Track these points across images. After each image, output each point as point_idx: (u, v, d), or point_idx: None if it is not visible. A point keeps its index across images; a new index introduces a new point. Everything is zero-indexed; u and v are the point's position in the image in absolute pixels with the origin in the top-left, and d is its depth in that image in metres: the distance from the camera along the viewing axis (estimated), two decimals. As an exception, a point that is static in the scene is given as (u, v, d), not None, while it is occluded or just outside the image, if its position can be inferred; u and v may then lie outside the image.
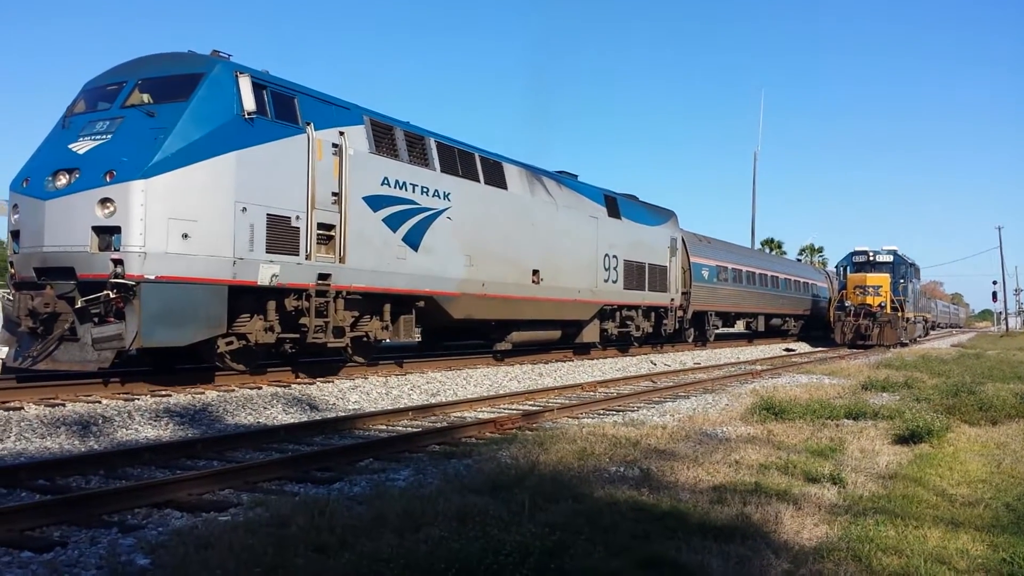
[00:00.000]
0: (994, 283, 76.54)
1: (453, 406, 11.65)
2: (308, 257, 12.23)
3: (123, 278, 10.04)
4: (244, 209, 11.22)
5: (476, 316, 16.50)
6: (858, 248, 37.08)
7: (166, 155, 10.41)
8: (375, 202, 13.63)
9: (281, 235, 11.83)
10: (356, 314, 13.61)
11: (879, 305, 34.14)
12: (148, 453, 7.66)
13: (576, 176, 21.64)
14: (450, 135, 16.47)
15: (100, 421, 9.13)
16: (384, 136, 14.10)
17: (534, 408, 11.71)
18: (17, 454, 7.77)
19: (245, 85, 11.27)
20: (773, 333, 38.39)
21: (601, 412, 11.69)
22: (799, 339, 39.98)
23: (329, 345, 12.96)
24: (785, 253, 69.00)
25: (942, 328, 76.40)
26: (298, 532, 4.72)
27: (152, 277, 10.19)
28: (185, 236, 10.55)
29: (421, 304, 14.90)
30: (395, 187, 14.05)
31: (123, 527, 5.27)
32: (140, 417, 9.52)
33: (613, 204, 22.30)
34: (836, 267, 40.77)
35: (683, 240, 27.03)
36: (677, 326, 25.96)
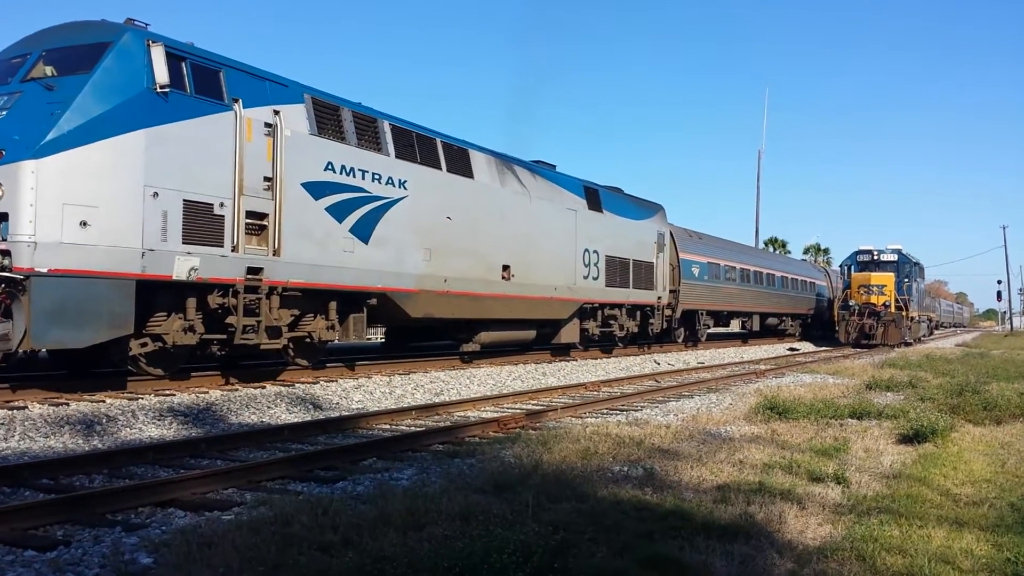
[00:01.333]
0: (999, 282, 76.28)
1: (457, 405, 11.65)
2: (235, 249, 11.05)
3: (10, 271, 8.96)
4: (156, 194, 10.02)
5: (438, 315, 15.33)
6: (862, 247, 37.05)
7: (61, 132, 9.31)
8: (317, 189, 12.41)
9: (201, 224, 10.61)
10: (296, 312, 12.48)
11: (883, 304, 34.09)
12: (152, 452, 7.66)
13: (554, 167, 20.52)
14: (444, 131, 15.96)
15: (104, 420, 9.14)
16: (328, 117, 12.87)
17: (537, 407, 11.71)
18: (21, 453, 7.78)
19: (158, 55, 10.06)
20: (769, 333, 37.61)
21: (605, 411, 11.68)
22: (802, 339, 39.83)
23: (262, 347, 11.84)
24: (790, 252, 68.79)
25: (946, 327, 76.25)
26: (301, 531, 4.71)
27: (44, 270, 9.08)
28: (83, 224, 9.40)
29: (373, 302, 13.75)
30: (341, 173, 12.85)
31: (127, 526, 5.27)
32: (144, 416, 9.52)
33: (594, 196, 21.10)
34: (840, 266, 40.57)
35: (671, 235, 25.87)
36: (665, 325, 24.92)
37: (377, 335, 28.31)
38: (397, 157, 14.15)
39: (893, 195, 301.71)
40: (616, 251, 21.68)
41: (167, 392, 11.02)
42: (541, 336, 19.47)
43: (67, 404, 9.68)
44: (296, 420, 10.19)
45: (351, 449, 7.95)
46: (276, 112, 11.72)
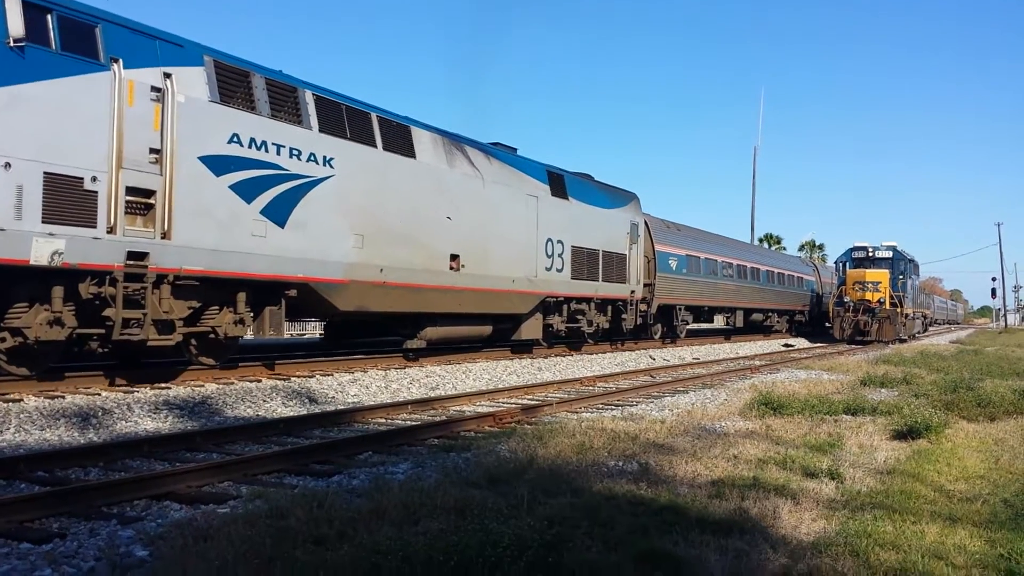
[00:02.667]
0: (993, 279, 76.69)
1: (452, 400, 11.66)
2: (112, 230, 9.65)
3: None
4: (7, 165, 8.74)
5: (373, 308, 13.95)
6: (857, 244, 37.10)
7: None
8: (219, 164, 10.98)
9: (67, 201, 9.27)
10: (195, 305, 11.10)
11: (878, 301, 34.16)
12: (147, 445, 7.67)
13: (515, 150, 19.10)
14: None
15: (99, 413, 9.14)
16: (236, 83, 11.41)
17: (533, 402, 11.73)
18: (16, 446, 7.78)
19: (12, 5, 8.83)
20: (754, 330, 36.72)
21: (600, 406, 11.70)
22: (797, 335, 39.86)
23: (150, 343, 10.32)
24: (785, 248, 69.05)
25: (939, 324, 76.46)
26: (297, 524, 4.72)
27: None
28: None
29: (293, 293, 12.41)
30: (250, 147, 11.39)
31: (122, 519, 5.27)
32: (139, 409, 9.52)
33: (558, 182, 19.65)
34: (835, 263, 40.53)
35: (646, 226, 24.64)
36: (639, 321, 23.64)
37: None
38: (322, 131, 12.72)
39: (888, 192, 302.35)
40: (584, 241, 20.35)
41: (163, 385, 11.01)
42: (499, 332, 18.27)
43: (62, 397, 9.68)
44: (292, 414, 10.19)
45: (347, 443, 7.96)
46: (167, 75, 10.30)
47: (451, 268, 15.61)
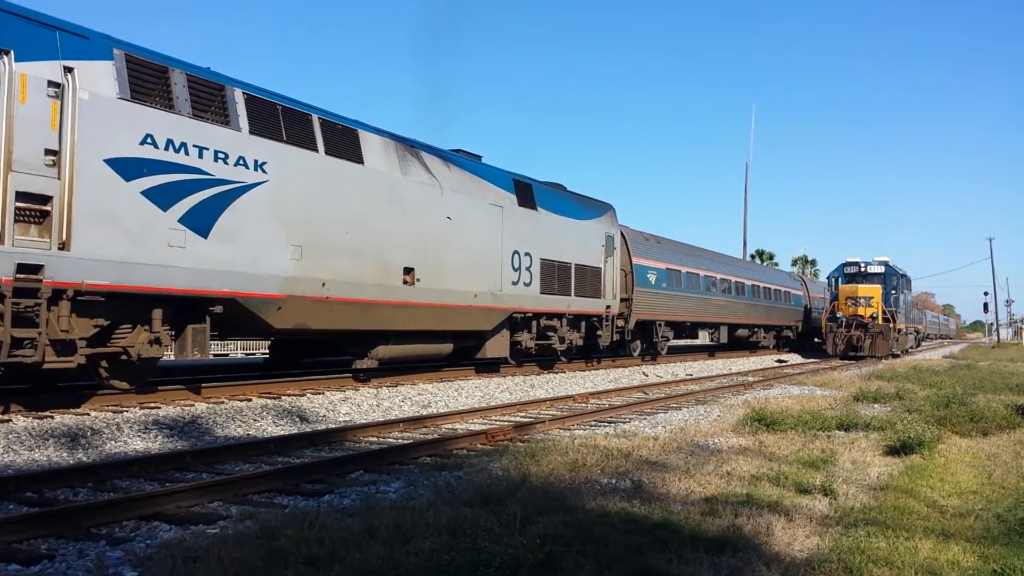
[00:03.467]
0: (985, 294, 76.95)
1: (444, 418, 11.62)
2: None
3: None
4: None
5: (315, 326, 12.82)
6: (849, 259, 37.23)
7: None
8: (130, 167, 9.99)
9: None
10: (102, 322, 10.12)
11: (871, 316, 34.26)
12: (137, 465, 7.61)
13: (479, 157, 17.95)
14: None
15: (88, 433, 9.08)
16: (151, 79, 10.42)
17: (525, 420, 11.69)
18: (5, 466, 7.71)
19: None
20: (741, 346, 35.87)
21: (593, 423, 11.68)
22: (789, 351, 39.89)
23: (46, 365, 9.40)
24: (777, 264, 69.21)
25: (932, 339, 76.71)
26: (288, 544, 4.69)
27: None
28: None
29: (218, 309, 11.20)
30: (168, 149, 10.40)
31: (111, 540, 5.23)
32: (129, 429, 9.46)
33: (526, 192, 18.47)
34: (828, 278, 40.57)
35: (623, 238, 23.62)
36: (616, 337, 22.65)
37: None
38: (253, 133, 11.61)
39: (880, 208, 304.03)
40: (554, 254, 19.24)
41: (152, 405, 10.95)
42: (462, 350, 17.24)
43: (51, 417, 9.61)
44: (283, 433, 10.14)
45: (338, 462, 7.92)
46: (68, 69, 9.37)
47: (405, 282, 14.47)
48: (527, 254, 18.11)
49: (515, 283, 17.64)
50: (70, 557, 4.81)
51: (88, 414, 9.99)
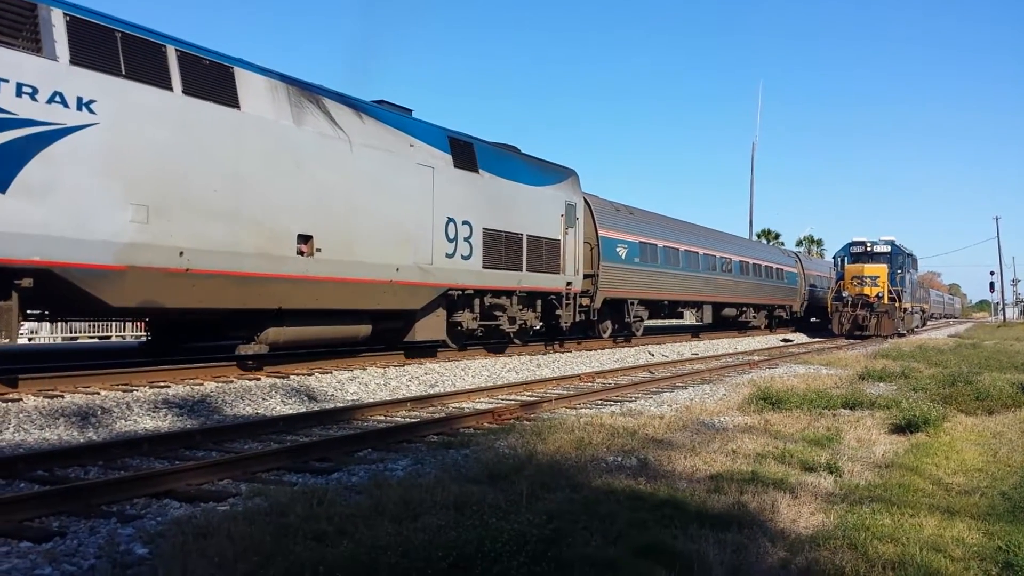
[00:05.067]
0: (992, 273, 76.67)
1: (451, 397, 11.67)
2: None
3: None
4: None
5: (171, 304, 10.68)
6: (856, 238, 37.16)
7: None
8: None
9: None
10: None
11: (876, 295, 34.20)
12: (147, 444, 7.67)
13: (410, 111, 15.65)
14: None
15: (99, 412, 9.14)
16: None
17: (532, 399, 11.73)
18: (16, 445, 7.78)
19: None
20: (728, 326, 34.32)
21: (599, 402, 11.71)
22: (794, 329, 39.77)
23: None
24: (783, 243, 69.04)
25: (938, 319, 76.56)
26: (296, 521, 4.73)
27: None
28: None
29: (27, 283, 9.12)
30: None
31: (122, 517, 5.28)
32: (139, 408, 9.53)
33: (465, 152, 16.23)
34: (834, 257, 40.44)
35: (588, 207, 21.59)
36: (580, 317, 20.81)
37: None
38: (76, 64, 9.44)
39: (887, 187, 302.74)
40: (501, 223, 17.03)
41: (162, 384, 11.01)
42: (387, 332, 15.24)
43: (61, 396, 9.68)
44: (291, 412, 10.19)
45: (346, 440, 7.97)
46: None
47: (301, 253, 12.27)
48: (465, 223, 15.96)
49: (450, 256, 15.51)
50: (81, 534, 4.86)
51: (98, 393, 10.06)
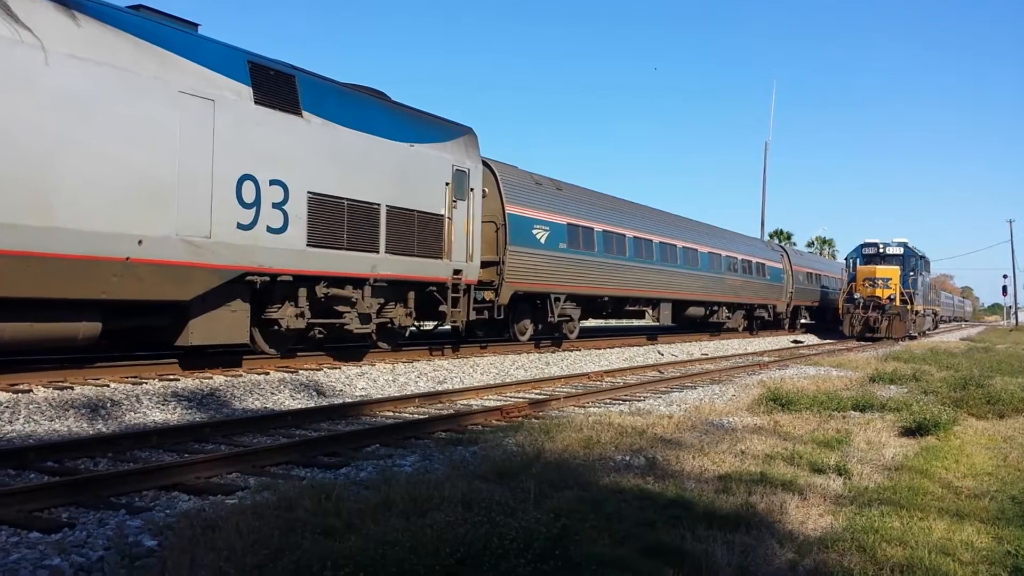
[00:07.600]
0: (1004, 276, 76.34)
1: (460, 394, 11.67)
2: None
3: None
4: None
5: None
6: (868, 240, 36.96)
7: None
8: None
9: None
10: None
11: (888, 297, 34.04)
12: (156, 436, 7.70)
13: (197, 26, 11.50)
14: None
15: (108, 404, 9.18)
16: None
17: (540, 396, 11.73)
18: (26, 436, 7.82)
19: None
20: (695, 327, 30.12)
21: (607, 401, 11.70)
22: (807, 331, 39.55)
23: None
24: (795, 244, 68.80)
25: (949, 322, 76.17)
26: (305, 516, 4.73)
27: None
28: None
29: None
30: None
31: (131, 509, 5.30)
32: (148, 401, 9.56)
33: (280, 85, 12.09)
34: (846, 259, 40.17)
35: (494, 176, 17.52)
36: (483, 315, 17.03)
37: None
38: None
39: (900, 189, 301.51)
40: (343, 188, 13.01)
41: (171, 377, 11.05)
42: (140, 330, 11.32)
43: (71, 388, 9.73)
44: (300, 406, 10.22)
45: (354, 435, 7.99)
46: None
47: None
48: (277, 183, 11.87)
49: (247, 227, 11.42)
50: (90, 525, 4.88)
51: (108, 385, 10.10)
